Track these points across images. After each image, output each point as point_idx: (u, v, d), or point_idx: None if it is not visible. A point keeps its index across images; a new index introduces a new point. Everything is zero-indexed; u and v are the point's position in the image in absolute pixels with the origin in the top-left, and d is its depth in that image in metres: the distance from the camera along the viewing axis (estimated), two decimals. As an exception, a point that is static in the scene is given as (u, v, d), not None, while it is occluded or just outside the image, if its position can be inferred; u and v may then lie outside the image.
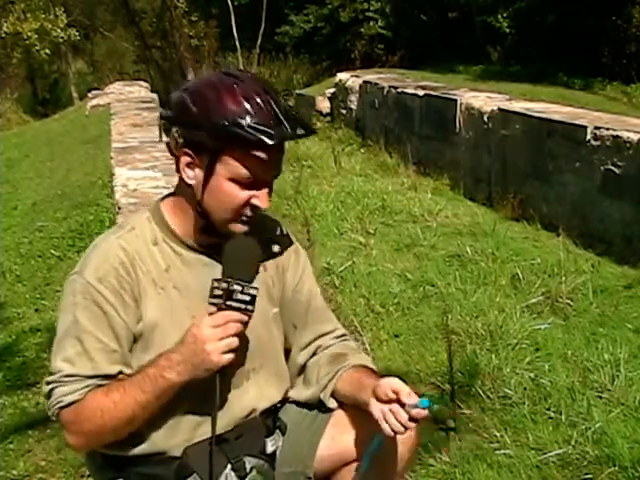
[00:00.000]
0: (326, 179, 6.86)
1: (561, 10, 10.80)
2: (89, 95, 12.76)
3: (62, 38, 17.11)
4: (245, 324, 1.50)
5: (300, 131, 1.49)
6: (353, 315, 3.88)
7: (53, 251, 4.96)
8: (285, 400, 1.74)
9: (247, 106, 1.45)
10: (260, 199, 1.51)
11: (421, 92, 7.70)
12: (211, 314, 1.49)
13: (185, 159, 1.52)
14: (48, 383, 1.54)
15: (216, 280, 1.50)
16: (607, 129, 5.00)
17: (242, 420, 1.63)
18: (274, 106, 1.47)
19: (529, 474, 2.58)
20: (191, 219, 1.57)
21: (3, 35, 16.33)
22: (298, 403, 1.74)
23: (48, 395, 1.54)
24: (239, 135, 1.43)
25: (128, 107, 9.29)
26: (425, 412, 1.50)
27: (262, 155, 1.46)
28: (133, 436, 1.55)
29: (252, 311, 1.50)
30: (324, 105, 10.26)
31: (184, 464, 1.56)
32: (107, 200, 5.49)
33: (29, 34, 16.07)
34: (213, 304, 1.49)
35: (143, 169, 5.23)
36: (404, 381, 1.55)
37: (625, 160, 4.83)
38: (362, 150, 8.58)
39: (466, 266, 4.52)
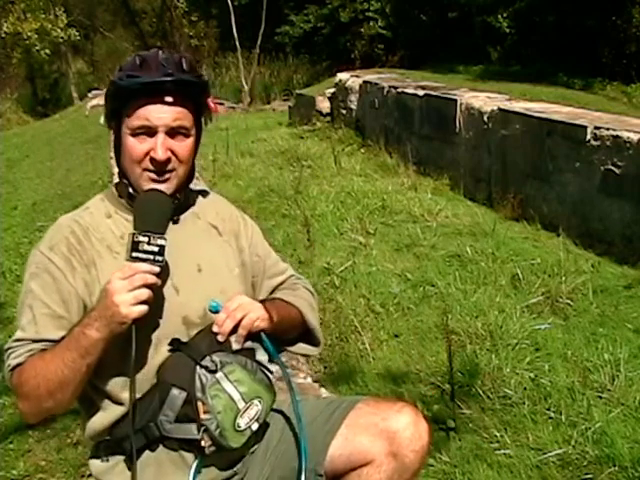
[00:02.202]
0: (326, 179, 6.86)
1: (561, 10, 10.80)
2: (89, 95, 12.79)
3: (62, 38, 17.12)
4: (158, 275, 1.50)
5: (170, 76, 1.56)
6: (353, 315, 3.88)
7: (53, 251, 4.96)
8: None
9: (137, 67, 1.59)
10: (155, 149, 1.58)
11: (421, 92, 7.69)
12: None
13: (112, 134, 1.65)
14: (5, 350, 1.59)
15: (130, 234, 1.52)
16: (607, 129, 5.00)
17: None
18: (163, 62, 1.58)
19: (529, 474, 2.59)
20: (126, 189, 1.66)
21: (3, 35, 16.35)
22: (286, 416, 1.75)
23: (6, 361, 1.59)
24: (120, 86, 1.57)
25: (128, 107, 9.28)
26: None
27: (142, 100, 1.56)
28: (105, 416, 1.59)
29: (161, 262, 1.51)
30: (324, 105, 10.26)
31: (163, 382, 1.56)
32: (107, 200, 5.48)
33: (29, 34, 16.09)
34: (128, 258, 1.52)
35: (143, 169, 5.23)
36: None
37: (625, 160, 4.83)
38: (362, 150, 8.58)
39: (466, 266, 4.52)
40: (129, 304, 1.46)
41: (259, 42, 15.37)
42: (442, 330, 3.47)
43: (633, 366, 3.20)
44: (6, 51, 18.80)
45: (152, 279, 1.49)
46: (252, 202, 6.21)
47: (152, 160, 1.59)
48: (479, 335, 3.54)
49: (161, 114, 1.58)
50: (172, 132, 1.59)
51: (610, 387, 3.04)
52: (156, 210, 1.57)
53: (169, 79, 1.56)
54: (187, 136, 1.62)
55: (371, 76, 9.46)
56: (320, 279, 4.42)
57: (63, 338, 1.55)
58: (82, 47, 23.39)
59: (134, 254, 1.49)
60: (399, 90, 8.16)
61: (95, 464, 1.66)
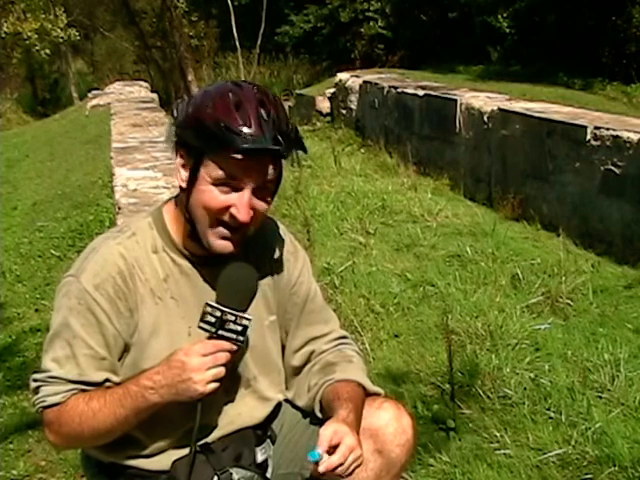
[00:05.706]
0: (326, 179, 6.86)
1: (561, 10, 10.79)
2: (89, 95, 12.76)
3: (62, 38, 17.09)
4: (233, 353, 1.48)
5: (282, 146, 1.43)
6: (353, 315, 3.88)
7: (53, 251, 4.97)
8: (279, 405, 1.72)
9: (233, 111, 1.43)
10: (238, 209, 1.46)
11: (421, 92, 7.70)
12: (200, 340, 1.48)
13: (179, 160, 1.52)
14: (35, 380, 1.55)
15: (210, 305, 1.47)
16: (607, 129, 5.00)
17: (235, 429, 1.62)
18: (263, 115, 1.44)
19: (529, 474, 2.59)
20: (185, 226, 1.55)
21: (3, 35, 16.31)
22: (293, 404, 1.74)
23: (34, 392, 1.55)
24: (215, 134, 1.42)
25: (128, 107, 9.30)
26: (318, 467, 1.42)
27: (238, 158, 1.42)
28: (125, 446, 1.57)
29: (242, 342, 1.48)
30: (324, 105, 10.27)
31: (172, 478, 1.56)
32: (107, 200, 5.50)
33: (29, 34, 16.05)
34: (203, 329, 1.47)
35: (143, 169, 5.23)
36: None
37: (625, 160, 4.83)
38: (362, 150, 8.58)
39: (466, 266, 4.52)
40: (207, 382, 1.44)
41: (259, 42, 15.40)
42: (442, 330, 3.46)
43: (633, 366, 3.20)
44: (6, 51, 18.77)
45: (229, 358, 1.47)
46: (252, 202, 6.20)
47: (231, 217, 1.47)
48: (479, 335, 3.54)
49: (253, 173, 1.46)
50: (257, 189, 1.48)
51: (610, 387, 3.04)
52: (244, 287, 1.51)
53: (277, 148, 1.43)
54: (269, 194, 1.53)
55: (371, 76, 9.46)
56: (320, 279, 4.41)
57: (106, 380, 1.52)
58: (82, 47, 23.41)
59: (220, 332, 1.46)
60: (399, 90, 8.16)
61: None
